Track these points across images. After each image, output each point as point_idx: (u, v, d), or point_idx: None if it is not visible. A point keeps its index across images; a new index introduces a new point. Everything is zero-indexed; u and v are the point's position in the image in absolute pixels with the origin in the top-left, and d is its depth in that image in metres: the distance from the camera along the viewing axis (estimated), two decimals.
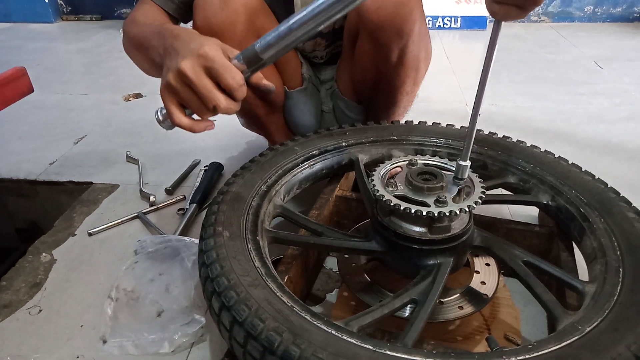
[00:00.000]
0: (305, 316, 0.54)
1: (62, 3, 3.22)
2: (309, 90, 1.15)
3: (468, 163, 0.68)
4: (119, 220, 1.11)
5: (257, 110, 1.09)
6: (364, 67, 1.03)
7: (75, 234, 1.08)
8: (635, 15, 2.79)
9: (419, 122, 1.04)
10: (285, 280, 0.71)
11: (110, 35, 2.86)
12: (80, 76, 2.22)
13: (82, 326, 0.84)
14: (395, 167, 0.78)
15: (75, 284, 0.94)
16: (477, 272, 0.77)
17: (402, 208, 0.65)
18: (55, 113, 1.77)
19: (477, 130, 1.00)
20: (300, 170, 0.91)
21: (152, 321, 0.81)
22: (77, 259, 1.00)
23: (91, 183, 1.28)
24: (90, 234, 1.07)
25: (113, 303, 0.85)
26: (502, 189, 0.93)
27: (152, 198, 1.17)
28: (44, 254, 1.01)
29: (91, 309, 0.87)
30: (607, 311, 0.57)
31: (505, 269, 0.79)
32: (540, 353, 0.50)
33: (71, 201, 1.21)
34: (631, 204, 0.78)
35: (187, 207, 1.13)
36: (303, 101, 1.14)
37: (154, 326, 0.80)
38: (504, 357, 0.50)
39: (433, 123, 1.04)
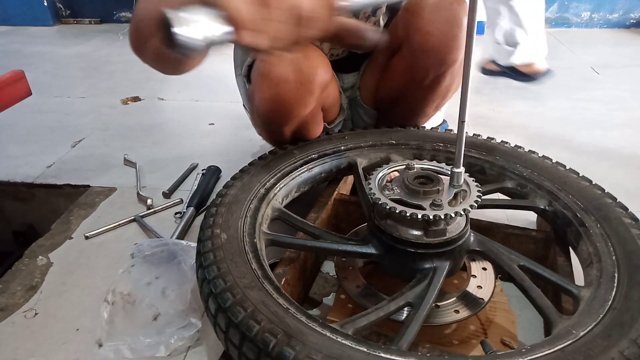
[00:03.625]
0: (301, 318, 0.54)
1: (61, 7, 3.23)
2: (344, 116, 1.13)
3: (462, 169, 0.68)
4: (116, 224, 1.10)
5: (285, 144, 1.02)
6: (394, 82, 1.03)
7: (72, 237, 1.08)
8: (631, 21, 2.81)
9: (418, 127, 1.05)
10: (282, 282, 0.71)
11: (109, 38, 2.86)
12: (78, 80, 2.22)
13: (78, 330, 0.83)
14: (392, 171, 0.78)
15: (71, 287, 0.93)
16: (474, 276, 0.77)
17: (397, 211, 0.65)
18: (53, 116, 1.77)
19: (475, 135, 1.01)
20: (299, 174, 0.91)
21: (148, 325, 0.81)
22: (73, 262, 1.00)
23: (88, 186, 1.27)
24: (87, 238, 1.07)
25: (109, 307, 0.84)
26: (500, 194, 0.93)
27: (149, 201, 1.17)
28: (40, 257, 1.01)
29: (87, 313, 0.87)
30: (601, 316, 0.57)
31: (502, 274, 0.79)
32: (533, 357, 0.51)
33: (68, 204, 1.21)
34: (627, 209, 0.78)
35: (185, 210, 1.13)
36: (336, 127, 1.13)
37: (150, 330, 0.80)
38: None
39: (431, 128, 1.05)
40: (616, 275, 0.64)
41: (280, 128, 0.93)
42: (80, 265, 0.99)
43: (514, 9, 1.80)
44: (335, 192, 0.98)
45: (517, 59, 1.89)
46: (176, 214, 1.14)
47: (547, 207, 0.84)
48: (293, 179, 0.89)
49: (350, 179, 1.06)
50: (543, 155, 0.94)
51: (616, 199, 0.81)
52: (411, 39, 0.92)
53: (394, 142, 0.99)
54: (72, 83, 2.17)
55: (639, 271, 0.64)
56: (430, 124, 1.21)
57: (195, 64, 0.79)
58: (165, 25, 0.42)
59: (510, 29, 1.83)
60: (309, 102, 0.88)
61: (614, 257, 0.68)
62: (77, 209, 1.18)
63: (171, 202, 1.18)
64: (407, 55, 0.96)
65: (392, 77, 1.02)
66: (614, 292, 0.61)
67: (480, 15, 2.74)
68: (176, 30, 0.42)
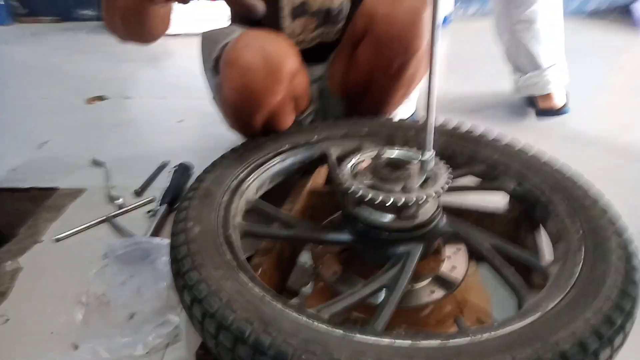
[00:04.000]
0: (277, 305, 0.54)
1: (18, 5, 3.11)
2: (313, 106, 1.13)
3: (431, 153, 0.69)
4: (87, 225, 1.08)
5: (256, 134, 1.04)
6: (360, 72, 1.03)
7: (41, 241, 1.05)
8: (590, 9, 2.89)
9: (389, 117, 1.06)
10: (259, 273, 0.71)
11: (71, 37, 2.78)
12: (40, 80, 2.15)
13: (52, 333, 0.81)
14: (364, 159, 0.79)
15: (43, 291, 0.91)
16: (448, 257, 0.78)
17: (369, 197, 0.65)
18: (15, 118, 1.71)
19: (445, 122, 1.02)
20: (272, 165, 0.91)
21: (125, 324, 0.80)
22: (44, 266, 0.98)
23: (56, 188, 1.24)
24: (56, 240, 1.04)
25: (83, 308, 0.83)
26: (472, 177, 0.95)
27: (120, 201, 1.15)
28: (9, 262, 0.98)
29: (61, 316, 0.85)
30: (568, 289, 0.59)
31: (475, 254, 0.81)
32: (504, 330, 0.52)
33: (36, 208, 1.18)
34: (592, 186, 0.81)
35: (157, 208, 1.11)
36: (306, 119, 1.13)
37: (126, 329, 0.79)
38: (470, 335, 0.51)
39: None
40: (582, 249, 0.67)
41: (250, 118, 0.92)
42: (51, 268, 0.97)
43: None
44: (310, 183, 0.98)
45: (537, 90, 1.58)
46: (148, 212, 1.12)
47: (516, 188, 0.86)
48: (266, 170, 0.89)
49: (324, 169, 1.06)
50: (511, 139, 0.96)
51: (581, 177, 0.83)
52: (374, 28, 0.93)
53: (366, 131, 0.99)
54: (33, 84, 2.10)
55: (603, 245, 0.66)
56: (402, 114, 1.22)
57: (161, 23, 0.86)
58: None
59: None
60: (278, 90, 0.88)
61: (580, 233, 0.70)
62: (45, 212, 1.15)
63: (143, 201, 1.16)
64: (371, 44, 0.97)
65: (358, 66, 1.03)
66: (580, 266, 0.63)
67: (445, 5, 2.79)
68: None
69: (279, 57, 0.85)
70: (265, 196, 0.90)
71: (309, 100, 1.09)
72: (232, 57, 0.85)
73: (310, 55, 1.12)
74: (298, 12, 1.04)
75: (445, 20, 2.83)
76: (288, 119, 1.00)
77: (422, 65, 1.01)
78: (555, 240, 0.75)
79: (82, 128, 1.62)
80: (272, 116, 0.95)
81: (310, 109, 1.10)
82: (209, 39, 1.08)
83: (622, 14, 2.79)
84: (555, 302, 0.57)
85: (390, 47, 0.93)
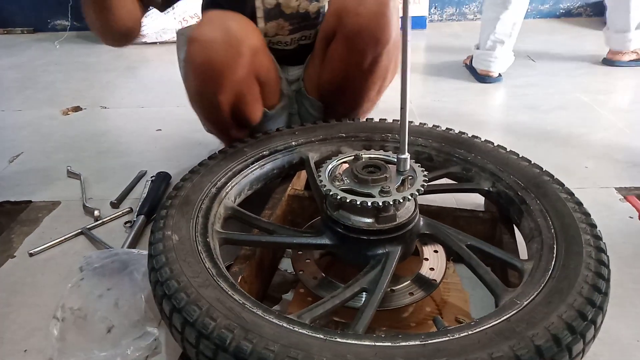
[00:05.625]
0: (257, 312, 0.54)
1: None
2: (285, 103, 1.14)
3: (407, 155, 0.70)
4: (62, 238, 1.06)
5: (229, 129, 1.06)
6: (334, 69, 1.04)
7: (15, 256, 1.02)
8: (561, 11, 2.97)
9: (366, 119, 1.07)
10: (239, 280, 0.70)
11: (45, 48, 2.72)
12: (13, 92, 2.11)
13: (25, 351, 0.79)
14: (341, 163, 0.79)
15: (17, 307, 0.89)
16: (426, 259, 0.79)
17: (348, 200, 0.66)
18: None
19: (421, 124, 1.04)
20: (251, 171, 0.91)
21: (103, 338, 0.78)
22: (18, 281, 0.95)
23: (30, 202, 1.21)
24: (31, 255, 1.02)
25: (59, 323, 0.81)
26: (448, 179, 0.96)
27: (96, 213, 1.13)
28: None
29: (36, 332, 0.83)
30: (542, 285, 0.61)
31: (452, 255, 0.82)
32: (481, 328, 0.53)
33: (9, 222, 1.15)
34: (564, 185, 0.83)
35: (135, 219, 1.10)
36: (278, 115, 1.13)
37: (104, 343, 0.77)
38: (449, 334, 0.52)
39: (380, 119, 1.07)
40: (555, 247, 0.68)
41: (215, 98, 0.93)
42: (26, 284, 0.94)
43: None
44: (289, 188, 0.99)
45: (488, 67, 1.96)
46: (126, 223, 1.11)
47: (491, 189, 0.88)
48: (245, 176, 0.89)
49: (303, 174, 1.06)
50: (485, 140, 0.98)
51: (553, 176, 0.85)
52: (344, 23, 0.94)
53: (343, 134, 1.00)
54: (6, 95, 2.05)
55: (574, 242, 0.68)
56: None
57: (127, 15, 0.89)
58: None
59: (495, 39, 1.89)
60: (239, 64, 0.89)
61: (552, 231, 0.72)
62: (18, 226, 1.12)
63: (120, 212, 1.15)
64: (342, 40, 0.98)
65: (331, 64, 1.04)
66: (553, 263, 0.65)
67: (422, 10, 2.83)
68: None
69: (239, 31, 0.88)
70: (245, 202, 0.90)
71: (279, 92, 1.10)
72: (194, 34, 0.88)
73: (292, 57, 1.13)
74: (272, 14, 1.05)
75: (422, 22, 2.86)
76: (256, 108, 1.01)
77: (393, 59, 1.02)
78: (528, 239, 0.76)
79: (57, 139, 1.59)
80: (238, 100, 0.95)
81: (281, 103, 1.11)
82: (182, 35, 1.09)
83: None
84: (530, 299, 0.58)
85: (361, 40, 0.94)
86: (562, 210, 0.75)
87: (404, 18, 0.61)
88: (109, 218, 1.13)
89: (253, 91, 1.00)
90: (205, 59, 0.87)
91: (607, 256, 0.67)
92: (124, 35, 0.94)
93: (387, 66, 1.03)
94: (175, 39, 1.19)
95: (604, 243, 0.69)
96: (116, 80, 2.15)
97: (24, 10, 3.02)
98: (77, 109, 1.83)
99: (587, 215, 0.75)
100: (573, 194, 0.80)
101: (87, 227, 1.09)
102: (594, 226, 0.72)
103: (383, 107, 1.73)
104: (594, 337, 0.56)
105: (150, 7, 0.98)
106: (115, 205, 1.18)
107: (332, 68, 1.04)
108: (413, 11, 2.86)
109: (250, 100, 0.99)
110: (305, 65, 1.14)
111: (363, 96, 1.08)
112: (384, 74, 1.04)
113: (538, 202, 0.79)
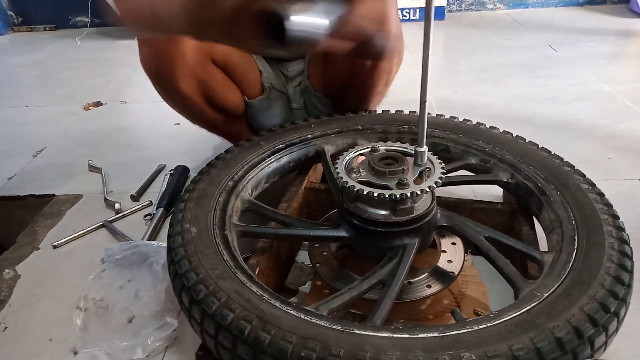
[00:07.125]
0: (275, 304, 0.54)
1: (13, 14, 3.11)
2: (272, 96, 1.14)
3: (425, 148, 0.69)
4: (84, 231, 1.08)
5: (215, 122, 1.08)
6: (338, 67, 1.04)
7: (39, 248, 1.05)
8: None
9: (382, 112, 1.06)
10: (256, 272, 0.71)
11: (65, 44, 2.77)
12: (35, 88, 2.15)
13: (50, 340, 0.82)
14: (358, 155, 0.79)
15: (41, 298, 0.91)
16: (444, 251, 0.79)
17: (365, 193, 0.66)
18: (11, 127, 1.71)
19: (438, 115, 1.03)
20: (267, 164, 0.91)
21: (123, 328, 0.80)
22: (42, 273, 0.98)
23: (53, 195, 1.24)
24: (55, 247, 1.04)
25: (82, 313, 0.83)
26: (465, 171, 0.95)
27: (117, 206, 1.15)
28: (6, 271, 0.98)
29: (60, 322, 0.85)
30: (563, 277, 0.59)
31: (470, 247, 0.81)
32: (501, 320, 0.52)
33: (33, 215, 1.18)
34: (585, 175, 0.81)
35: (154, 212, 1.11)
36: (266, 107, 1.14)
37: (125, 333, 0.79)
38: (467, 326, 0.51)
39: (396, 111, 1.06)
40: (576, 238, 0.67)
41: (174, 84, 0.93)
42: (49, 275, 0.97)
43: None
44: (305, 181, 0.99)
45: None
46: (146, 216, 1.12)
47: (509, 180, 0.86)
48: (262, 169, 0.89)
49: (319, 167, 1.06)
50: (504, 130, 0.96)
51: (574, 167, 0.84)
52: None
53: (359, 127, 1.00)
54: (29, 92, 2.10)
55: (596, 233, 0.67)
56: None
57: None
58: (269, 22, 0.37)
59: None
60: (182, 43, 0.88)
61: (573, 222, 0.70)
62: (42, 219, 1.15)
63: (140, 205, 1.16)
64: None
65: (335, 62, 1.03)
66: (574, 254, 0.64)
67: (439, 0, 2.79)
68: (291, 23, 0.36)
69: None
70: (262, 195, 0.90)
71: (258, 83, 1.09)
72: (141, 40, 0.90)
73: None
74: None
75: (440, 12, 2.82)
76: (228, 94, 1.01)
77: (396, 51, 1.02)
78: (549, 230, 0.75)
79: (78, 134, 1.62)
80: (205, 87, 0.95)
81: (264, 94, 1.11)
82: None
83: None
84: (551, 291, 0.57)
85: None
86: (584, 201, 0.74)
87: (427, 10, 0.60)
88: (129, 211, 1.15)
89: (216, 77, 1.00)
90: (152, 54, 0.88)
91: (631, 248, 0.66)
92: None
93: (391, 60, 1.02)
94: None
95: (627, 234, 0.68)
96: (135, 76, 2.17)
97: (46, 9, 3.09)
98: (97, 104, 1.87)
99: (610, 206, 0.73)
100: (594, 185, 0.79)
101: (108, 219, 1.11)
102: (616, 217, 0.70)
103: (399, 99, 1.72)
104: (616, 330, 0.55)
105: None
106: (135, 198, 1.20)
107: (336, 66, 1.03)
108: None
109: (216, 86, 0.99)
110: (308, 61, 1.14)
111: (370, 91, 1.07)
112: (389, 67, 1.03)
113: (558, 193, 0.77)
